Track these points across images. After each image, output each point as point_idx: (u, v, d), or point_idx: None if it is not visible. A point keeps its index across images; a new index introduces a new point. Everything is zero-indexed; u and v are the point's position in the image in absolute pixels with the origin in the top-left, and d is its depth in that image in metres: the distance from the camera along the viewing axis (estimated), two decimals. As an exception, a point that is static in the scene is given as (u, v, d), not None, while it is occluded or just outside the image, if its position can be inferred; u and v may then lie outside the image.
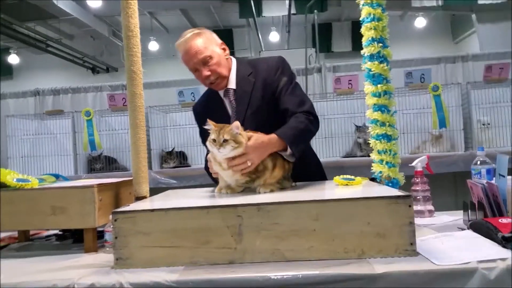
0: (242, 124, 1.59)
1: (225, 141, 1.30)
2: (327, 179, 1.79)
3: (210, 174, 1.58)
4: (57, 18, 7.91)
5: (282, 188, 1.45)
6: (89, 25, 8.26)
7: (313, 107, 1.64)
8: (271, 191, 1.40)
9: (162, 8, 8.70)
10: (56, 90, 4.13)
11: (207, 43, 1.65)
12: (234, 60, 1.75)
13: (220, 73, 1.65)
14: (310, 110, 1.61)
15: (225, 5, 8.13)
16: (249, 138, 1.36)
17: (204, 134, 1.50)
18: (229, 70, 1.71)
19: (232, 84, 1.70)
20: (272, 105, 1.64)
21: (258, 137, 1.39)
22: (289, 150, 1.46)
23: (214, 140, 1.31)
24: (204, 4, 8.38)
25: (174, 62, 10.47)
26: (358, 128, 3.18)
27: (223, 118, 1.65)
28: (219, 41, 1.72)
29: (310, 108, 1.62)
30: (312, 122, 1.59)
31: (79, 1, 7.49)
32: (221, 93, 1.73)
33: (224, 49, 1.71)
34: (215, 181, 1.54)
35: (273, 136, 1.44)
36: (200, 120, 1.77)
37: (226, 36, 10.10)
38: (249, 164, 1.34)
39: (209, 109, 1.76)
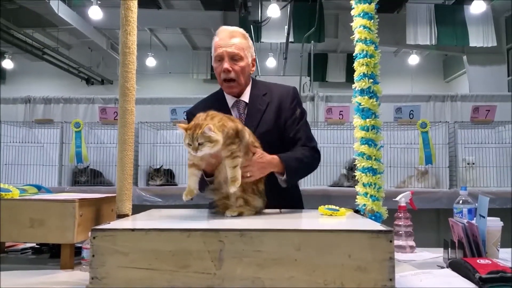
0: None
1: (200, 144, 1.29)
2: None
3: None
4: (56, 27, 7.95)
5: (254, 208, 1.42)
6: (88, 36, 8.32)
7: (316, 145, 1.72)
8: (240, 214, 1.37)
9: (163, 25, 8.82)
10: (48, 99, 4.11)
11: (246, 46, 1.70)
12: (250, 78, 1.80)
13: (239, 77, 1.68)
14: (316, 148, 1.69)
15: (225, 28, 8.25)
16: (253, 153, 1.41)
17: None
18: (246, 84, 1.74)
19: (245, 98, 1.73)
20: (280, 130, 1.69)
21: (263, 154, 1.44)
22: (284, 177, 1.50)
23: (189, 144, 1.30)
24: (204, 25, 8.52)
25: (170, 80, 10.59)
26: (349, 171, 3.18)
27: None
28: (254, 55, 1.76)
29: (316, 145, 1.70)
30: (316, 160, 1.68)
31: (80, 12, 7.56)
32: (230, 102, 1.73)
33: (253, 64, 1.76)
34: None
35: (276, 157, 1.49)
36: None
37: (223, 57, 10.21)
38: (248, 175, 1.37)
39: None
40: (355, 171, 1.60)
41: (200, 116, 1.34)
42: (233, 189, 1.33)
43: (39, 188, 1.62)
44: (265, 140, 1.61)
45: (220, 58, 1.67)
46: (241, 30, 1.73)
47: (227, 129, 1.34)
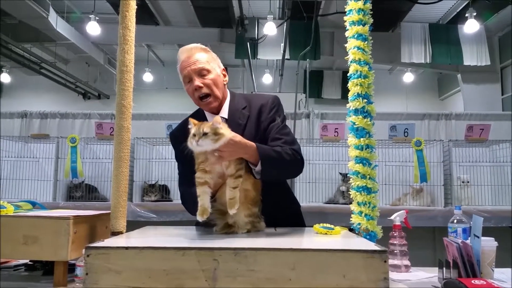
0: None
1: (205, 134, 1.27)
2: (305, 226, 1.79)
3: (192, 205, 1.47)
4: (54, 42, 8.00)
5: (257, 230, 1.46)
6: (85, 51, 8.37)
7: (300, 149, 1.62)
8: (248, 231, 1.42)
9: (160, 42, 8.91)
10: (44, 113, 4.12)
11: (210, 59, 1.66)
12: (228, 92, 1.75)
13: (213, 90, 1.62)
14: (298, 151, 1.59)
15: (222, 45, 8.37)
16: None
17: (179, 157, 1.52)
18: (224, 97, 1.69)
19: (224, 113, 1.67)
20: (262, 142, 1.59)
21: (239, 136, 1.38)
22: (258, 167, 1.42)
23: (194, 135, 1.29)
24: (201, 42, 8.56)
25: (166, 95, 10.62)
26: (345, 178, 3.19)
27: None
28: (222, 66, 1.73)
29: (298, 149, 1.60)
30: (297, 162, 1.57)
31: (78, 27, 7.63)
32: (209, 119, 1.64)
33: (224, 74, 1.72)
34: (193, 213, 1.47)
35: (252, 144, 1.42)
36: (178, 144, 1.57)
37: (220, 73, 10.30)
38: (216, 154, 1.33)
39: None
40: (350, 188, 1.61)
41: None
42: (232, 211, 1.33)
43: (34, 204, 1.61)
44: None
45: (189, 79, 1.63)
46: (199, 45, 1.69)
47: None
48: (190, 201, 1.47)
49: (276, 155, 1.49)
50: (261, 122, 1.64)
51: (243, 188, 1.39)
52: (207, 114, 1.71)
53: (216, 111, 1.68)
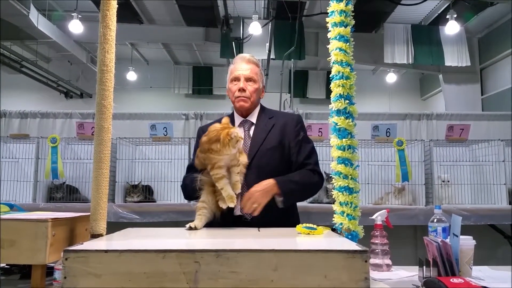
0: (253, 157, 1.78)
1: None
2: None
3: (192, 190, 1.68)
4: (35, 40, 7.85)
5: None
6: (67, 49, 8.23)
7: (317, 164, 1.87)
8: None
9: (145, 40, 8.82)
10: (24, 113, 4.03)
11: (259, 74, 1.91)
12: (260, 104, 1.98)
13: (251, 95, 1.86)
14: (318, 170, 1.85)
15: (207, 44, 8.34)
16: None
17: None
18: (255, 106, 1.92)
19: (252, 119, 1.89)
20: (284, 149, 1.83)
21: (259, 185, 1.66)
22: (281, 198, 1.70)
23: (229, 140, 1.51)
24: (186, 40, 8.57)
25: (150, 94, 10.53)
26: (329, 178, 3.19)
27: None
28: (264, 84, 1.98)
29: (318, 168, 1.85)
30: (316, 183, 1.84)
31: (60, 25, 7.49)
32: (237, 121, 1.90)
33: (263, 91, 1.97)
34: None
35: (271, 181, 1.69)
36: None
37: (206, 73, 10.27)
38: (255, 206, 1.62)
39: None
40: (332, 190, 1.62)
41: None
42: (238, 191, 1.56)
43: (11, 206, 1.58)
44: (269, 157, 1.78)
45: (236, 79, 1.86)
46: (256, 58, 1.93)
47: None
48: (189, 183, 1.69)
49: (295, 186, 1.75)
50: (286, 132, 1.86)
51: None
52: (236, 116, 1.92)
53: (246, 115, 1.90)
